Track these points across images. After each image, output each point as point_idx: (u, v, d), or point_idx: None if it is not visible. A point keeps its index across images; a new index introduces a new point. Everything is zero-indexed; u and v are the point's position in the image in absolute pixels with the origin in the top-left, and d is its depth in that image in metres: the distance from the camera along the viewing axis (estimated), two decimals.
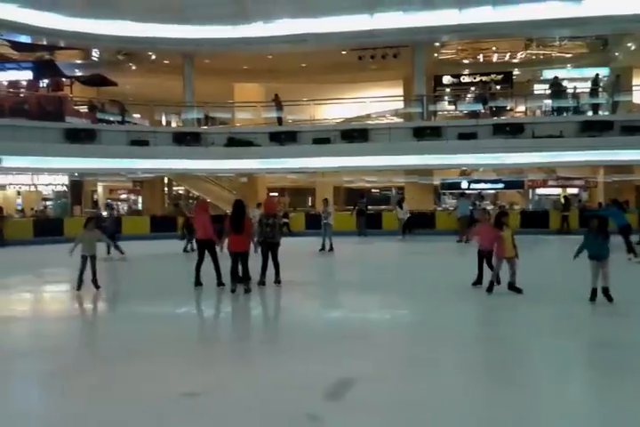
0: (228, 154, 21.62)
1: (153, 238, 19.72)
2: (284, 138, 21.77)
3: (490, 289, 8.35)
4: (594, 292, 7.52)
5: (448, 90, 26.29)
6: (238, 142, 21.84)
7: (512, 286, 8.30)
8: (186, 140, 21.80)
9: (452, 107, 25.56)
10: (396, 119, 27.48)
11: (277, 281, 9.43)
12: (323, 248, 15.10)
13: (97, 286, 9.19)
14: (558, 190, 26.19)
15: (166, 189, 30.06)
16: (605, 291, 7.48)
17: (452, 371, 5.12)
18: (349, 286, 9.98)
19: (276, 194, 33.66)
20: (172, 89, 23.91)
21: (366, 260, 14.53)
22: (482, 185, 25.77)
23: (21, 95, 23.02)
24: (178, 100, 24.19)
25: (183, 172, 23.64)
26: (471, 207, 18.64)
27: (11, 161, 19.63)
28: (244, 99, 26.57)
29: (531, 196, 27.19)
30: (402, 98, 26.35)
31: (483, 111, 22.81)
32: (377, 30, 21.41)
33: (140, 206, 30.04)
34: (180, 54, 23.58)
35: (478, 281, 8.82)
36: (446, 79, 26.29)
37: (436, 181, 25.22)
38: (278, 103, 22.84)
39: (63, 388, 4.75)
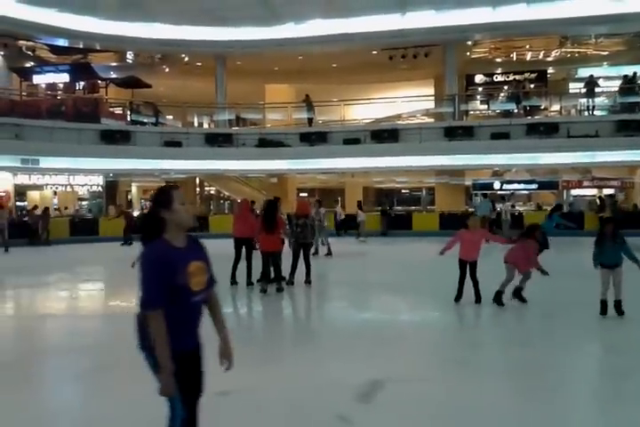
0: (258, 154, 21.80)
1: None
2: (314, 138, 21.85)
3: (498, 299, 7.54)
4: (604, 305, 6.80)
5: (480, 89, 25.98)
6: (269, 143, 22.02)
7: (518, 293, 7.65)
8: (217, 140, 22.07)
9: (485, 106, 25.24)
10: (426, 119, 27.26)
11: (308, 281, 9.48)
12: (316, 252, 13.84)
13: None
14: (594, 191, 25.58)
15: (198, 189, 30.41)
16: (617, 304, 6.78)
17: (483, 374, 5.05)
18: (379, 286, 9.95)
19: (306, 194, 33.76)
20: (205, 90, 24.22)
21: (395, 260, 14.44)
22: (515, 186, 25.33)
23: (58, 97, 23.61)
24: (210, 101, 24.50)
25: (214, 172, 23.91)
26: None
27: (48, 162, 20.20)
28: (275, 100, 26.73)
29: (565, 196, 26.63)
30: (433, 97, 26.16)
31: (516, 111, 22.46)
32: (408, 30, 21.34)
33: None
34: (212, 56, 23.89)
35: (460, 296, 7.79)
36: (478, 78, 25.98)
37: (468, 182, 24.91)
38: (309, 104, 22.92)
39: (100, 384, 4.84)
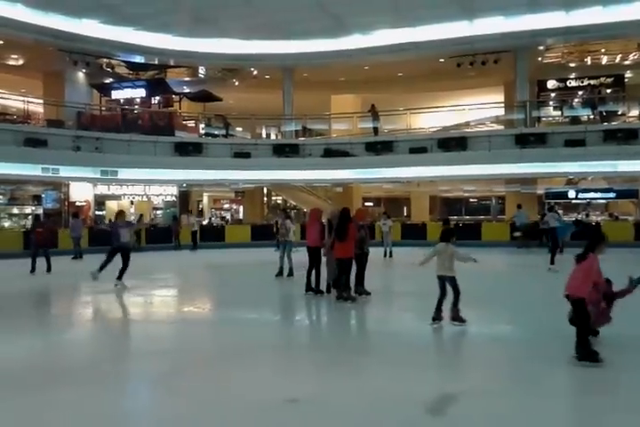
0: (324, 164, 22.02)
1: (253, 246, 20.44)
2: (379, 148, 21.83)
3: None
4: None
5: (553, 95, 25.13)
6: (335, 153, 22.18)
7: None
8: (284, 151, 22.46)
9: (558, 112, 24.36)
10: (496, 126, 26.64)
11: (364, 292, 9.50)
12: (280, 273, 12.07)
13: None
14: None
15: (265, 198, 31.02)
16: None
17: (558, 391, 4.87)
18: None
19: (372, 204, 33.71)
20: (272, 102, 24.75)
21: (459, 271, 14.11)
22: (591, 194, 24.29)
23: (135, 112, 24.81)
24: (277, 112, 25.01)
25: (281, 182, 24.31)
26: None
27: (126, 173, 21.24)
28: (341, 110, 26.93)
29: None
30: (502, 104, 25.55)
31: (591, 117, 21.57)
32: (477, 36, 21.03)
33: (241, 216, 31.23)
34: (280, 69, 24.43)
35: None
36: (551, 84, 25.15)
37: (540, 191, 24.09)
38: (375, 113, 22.95)
39: (172, 388, 5.00)
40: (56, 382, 5.08)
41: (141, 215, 21.41)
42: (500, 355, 6.09)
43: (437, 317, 7.11)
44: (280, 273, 12.05)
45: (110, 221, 13.52)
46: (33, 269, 13.34)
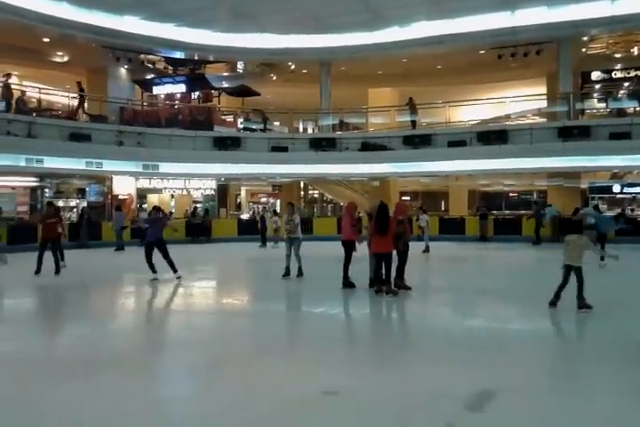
0: (361, 158, 21.98)
1: None
2: (417, 141, 21.65)
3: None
4: None
5: (597, 86, 24.38)
6: (372, 147, 22.11)
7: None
8: (322, 145, 22.49)
9: (603, 104, 23.65)
10: (538, 119, 26.05)
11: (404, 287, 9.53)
12: (287, 273, 11.06)
13: None
14: None
15: (302, 192, 31.15)
16: None
17: (599, 389, 4.78)
18: (483, 293, 9.71)
19: (409, 198, 33.48)
20: (310, 96, 24.79)
21: (498, 266, 13.95)
22: (637, 189, 23.54)
23: (176, 107, 25.22)
24: (315, 107, 25.05)
25: (318, 176, 24.38)
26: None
27: (167, 167, 21.66)
28: (378, 103, 26.78)
29: None
30: (545, 96, 24.97)
31: (638, 109, 20.88)
32: (519, 27, 20.59)
33: (278, 209, 31.43)
34: (317, 63, 24.43)
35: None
36: (595, 75, 24.39)
37: (584, 185, 23.48)
38: (413, 107, 22.74)
39: (211, 378, 5.11)
40: (101, 369, 5.27)
41: (171, 212, 21.90)
42: (540, 352, 6.00)
43: (554, 302, 7.65)
44: (287, 273, 11.03)
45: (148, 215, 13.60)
46: (38, 270, 11.67)
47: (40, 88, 21.21)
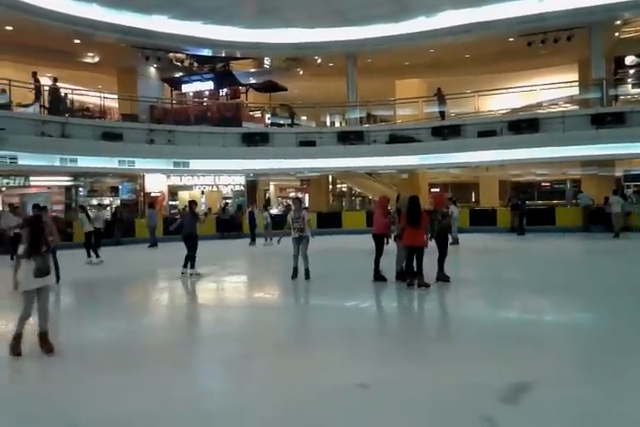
0: (389, 151, 21.86)
1: (319, 234, 20.59)
2: (446, 132, 21.42)
3: None
4: None
5: (632, 71, 23.68)
6: (400, 139, 21.97)
7: None
8: (349, 138, 22.45)
9: (638, 90, 22.98)
10: (570, 106, 25.48)
11: (444, 278, 9.51)
12: (295, 274, 10.30)
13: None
14: None
15: (330, 186, 31.18)
16: None
17: (635, 380, 4.70)
18: (518, 284, 9.61)
19: (438, 189, 33.18)
20: (336, 90, 24.73)
21: (531, 258, 13.74)
22: None
23: (204, 104, 25.47)
24: (341, 100, 24.98)
25: (346, 169, 24.34)
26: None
27: (197, 164, 21.93)
28: (406, 95, 26.52)
29: None
30: (577, 83, 24.40)
31: None
32: (548, 13, 20.15)
33: (306, 204, 31.54)
34: (343, 56, 24.34)
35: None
36: (629, 60, 23.65)
37: (619, 173, 22.91)
38: (441, 97, 22.50)
39: (245, 372, 5.20)
40: (137, 363, 5.41)
41: (210, 208, 22.29)
42: (576, 343, 5.94)
43: None
44: (295, 275, 10.28)
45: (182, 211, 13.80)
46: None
47: (73, 89, 21.64)
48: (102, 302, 9.33)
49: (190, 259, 11.27)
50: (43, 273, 5.66)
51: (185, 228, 11.30)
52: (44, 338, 5.78)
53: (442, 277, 9.46)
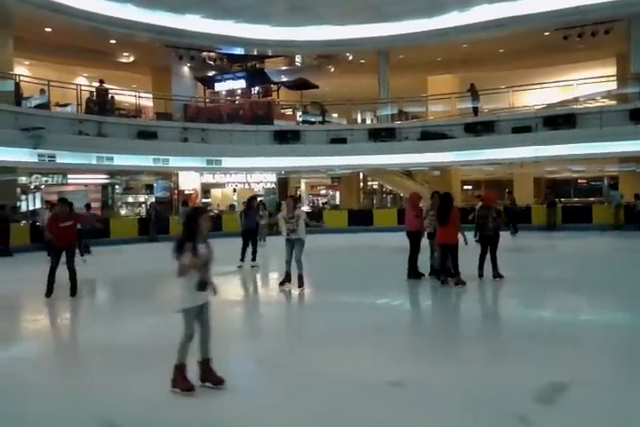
0: (421, 147, 21.67)
1: (350, 231, 20.62)
2: (479, 128, 21.13)
3: None
4: None
5: None
6: (432, 135, 21.74)
7: None
8: (380, 135, 22.33)
9: None
10: (608, 102, 24.83)
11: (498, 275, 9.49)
12: (287, 279, 9.26)
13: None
14: None
15: (361, 184, 31.08)
16: None
17: None
18: (553, 283, 9.45)
19: (471, 187, 32.77)
20: (368, 87, 24.64)
21: (568, 256, 13.47)
22: None
23: (237, 102, 25.68)
24: (373, 97, 24.89)
25: (378, 167, 24.24)
26: None
27: (229, 162, 22.16)
28: (438, 91, 26.24)
29: None
30: (615, 78, 23.76)
31: None
32: (585, 6, 19.69)
33: (337, 201, 31.55)
34: (375, 52, 24.25)
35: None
36: None
37: None
38: (474, 93, 22.20)
39: (275, 369, 5.19)
40: (167, 359, 5.50)
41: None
42: (611, 343, 5.82)
43: None
44: (288, 279, 9.23)
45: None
46: (50, 291, 8.70)
47: (108, 88, 22.07)
48: (139, 298, 9.50)
49: (252, 252, 11.96)
50: (205, 286, 4.61)
51: (247, 223, 12.07)
52: (207, 366, 4.61)
53: (496, 275, 9.40)
